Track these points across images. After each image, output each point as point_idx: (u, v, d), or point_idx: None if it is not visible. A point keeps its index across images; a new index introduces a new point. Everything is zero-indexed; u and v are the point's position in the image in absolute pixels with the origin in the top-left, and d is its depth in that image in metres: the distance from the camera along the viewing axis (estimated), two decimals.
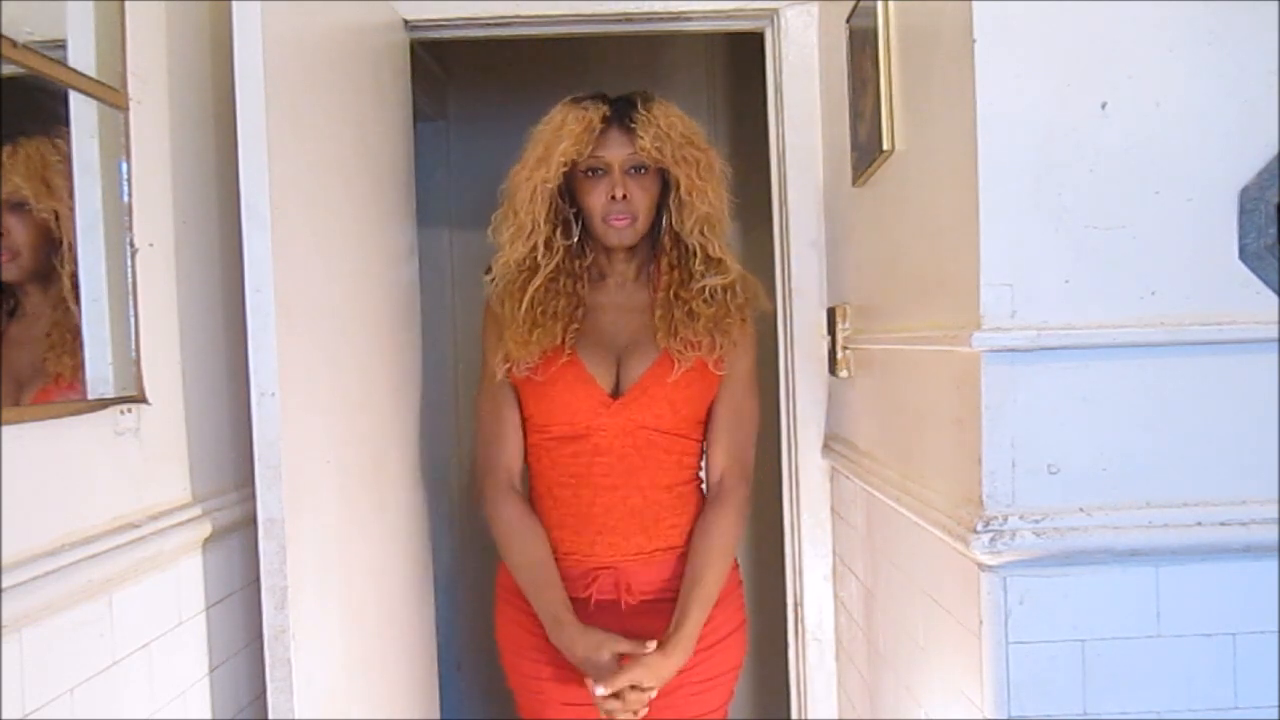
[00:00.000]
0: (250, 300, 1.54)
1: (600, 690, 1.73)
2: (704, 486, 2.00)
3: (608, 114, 1.84)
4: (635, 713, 1.75)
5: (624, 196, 1.84)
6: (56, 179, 1.32)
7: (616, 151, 1.85)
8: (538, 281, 1.86)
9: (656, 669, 1.76)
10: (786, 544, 2.39)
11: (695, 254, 1.88)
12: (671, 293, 1.88)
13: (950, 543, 1.39)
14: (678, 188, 1.86)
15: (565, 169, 1.84)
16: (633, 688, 1.74)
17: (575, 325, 1.87)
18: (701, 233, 1.87)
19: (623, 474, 1.86)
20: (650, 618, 1.87)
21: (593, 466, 1.86)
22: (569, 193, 1.89)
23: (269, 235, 1.53)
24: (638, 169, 1.86)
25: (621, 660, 1.77)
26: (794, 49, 2.27)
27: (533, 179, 1.84)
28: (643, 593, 1.88)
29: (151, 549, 1.44)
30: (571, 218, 1.90)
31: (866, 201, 1.93)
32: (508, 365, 1.87)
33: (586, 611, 1.86)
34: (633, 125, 1.83)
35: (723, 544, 1.90)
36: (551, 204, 1.86)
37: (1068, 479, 1.32)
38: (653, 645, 1.76)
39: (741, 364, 1.94)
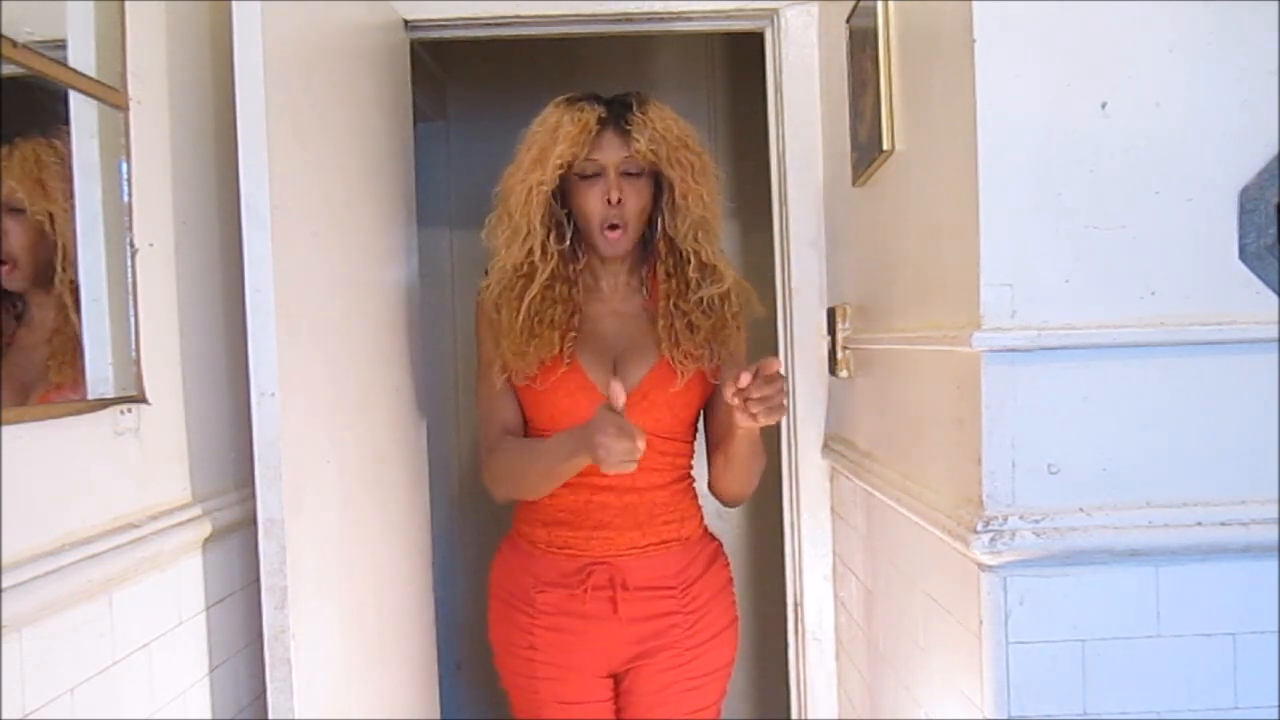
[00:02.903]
0: (250, 300, 1.54)
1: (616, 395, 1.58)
2: (695, 485, 2.01)
3: (603, 116, 1.84)
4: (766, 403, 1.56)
5: (619, 200, 1.83)
6: (52, 181, 1.31)
7: (612, 154, 1.83)
8: (534, 290, 1.85)
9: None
10: (786, 544, 2.39)
11: (690, 260, 1.87)
12: (671, 303, 1.87)
13: (950, 543, 1.39)
14: (671, 191, 1.85)
15: (561, 171, 1.83)
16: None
17: (573, 333, 1.86)
18: (695, 238, 1.86)
19: (619, 474, 1.86)
20: (643, 608, 1.88)
21: (591, 467, 1.86)
22: (561, 194, 1.88)
23: (269, 235, 1.53)
24: (631, 174, 1.85)
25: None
26: (794, 49, 2.27)
27: (528, 181, 1.83)
28: (636, 585, 1.88)
29: (151, 549, 1.44)
30: (564, 220, 1.89)
31: (866, 201, 1.93)
32: (506, 374, 1.87)
33: (582, 603, 1.86)
34: (628, 127, 1.82)
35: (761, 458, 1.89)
36: (546, 207, 1.85)
37: (1068, 479, 1.32)
38: (619, 392, 1.60)
39: (738, 367, 1.94)
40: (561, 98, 1.87)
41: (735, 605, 2.01)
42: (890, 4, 1.68)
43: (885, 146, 1.69)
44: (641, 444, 1.58)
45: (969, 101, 1.32)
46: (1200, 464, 1.33)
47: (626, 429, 1.58)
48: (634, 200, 1.85)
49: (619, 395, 1.61)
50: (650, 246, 1.94)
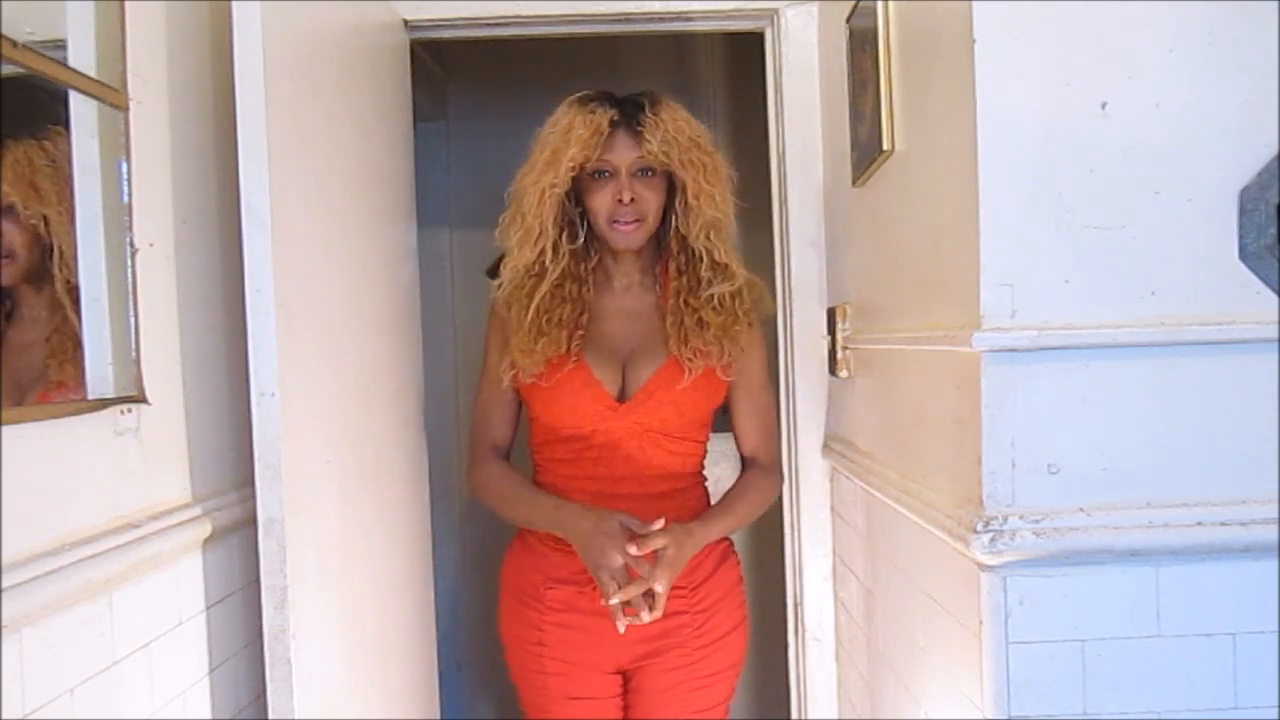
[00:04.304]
0: (250, 300, 1.54)
1: (633, 550, 1.68)
2: (706, 485, 2.01)
3: (615, 118, 1.84)
4: (652, 609, 1.71)
5: (631, 200, 1.83)
6: (44, 184, 1.30)
7: (624, 155, 1.84)
8: (544, 289, 1.86)
9: (679, 538, 1.74)
10: (786, 544, 2.39)
11: (702, 259, 1.88)
12: (681, 300, 1.88)
13: (950, 543, 1.39)
14: (684, 191, 1.86)
15: (573, 173, 1.83)
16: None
17: (581, 331, 1.87)
18: (708, 238, 1.87)
19: (627, 473, 1.86)
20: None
21: (597, 465, 1.87)
22: (574, 193, 1.89)
23: (269, 235, 1.53)
24: (645, 171, 1.85)
25: (631, 539, 1.72)
26: (794, 49, 2.27)
27: (540, 183, 1.83)
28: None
29: (151, 549, 1.44)
30: (577, 218, 1.90)
31: (866, 201, 1.93)
32: (513, 372, 1.88)
33: (591, 600, 1.87)
34: (640, 128, 1.82)
35: (758, 497, 1.96)
36: (559, 208, 1.86)
37: (1068, 479, 1.32)
38: (660, 523, 1.73)
39: (753, 366, 1.96)
40: (574, 97, 1.87)
41: (745, 606, 2.01)
42: (890, 4, 1.68)
43: (885, 146, 1.69)
44: (633, 593, 1.69)
45: (969, 101, 1.32)
46: (1200, 464, 1.32)
47: (624, 575, 1.70)
48: (649, 197, 1.85)
49: (649, 543, 1.70)
50: (663, 244, 1.94)
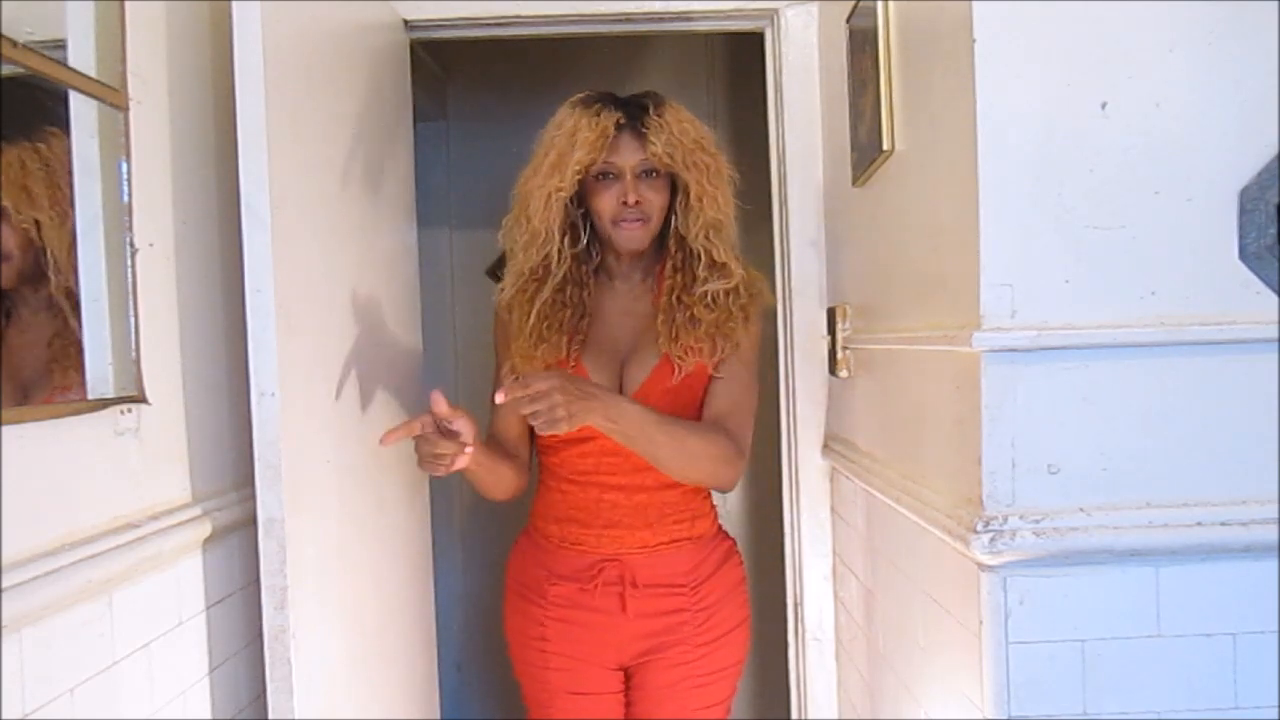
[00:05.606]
0: (250, 300, 1.54)
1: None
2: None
3: (621, 120, 1.83)
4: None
5: (636, 202, 1.83)
6: (37, 187, 1.29)
7: (629, 157, 1.84)
8: (545, 295, 1.85)
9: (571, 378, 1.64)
10: (786, 544, 2.39)
11: (700, 258, 1.88)
12: (674, 297, 1.88)
13: (950, 543, 1.39)
14: (686, 193, 1.86)
15: (579, 176, 1.83)
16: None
17: (580, 336, 1.87)
18: (707, 238, 1.87)
19: (628, 473, 1.86)
20: (652, 605, 1.89)
21: (600, 466, 1.87)
22: (577, 195, 1.88)
23: (269, 235, 1.53)
24: (649, 173, 1.85)
25: None
26: (794, 49, 2.27)
27: (546, 187, 1.83)
28: (646, 583, 1.89)
29: (151, 549, 1.44)
30: (580, 220, 1.90)
31: (866, 201, 1.93)
32: (514, 376, 1.88)
33: (592, 597, 1.87)
34: (645, 130, 1.82)
35: (711, 438, 1.81)
36: (565, 212, 1.86)
37: (1068, 479, 1.32)
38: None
39: (741, 349, 1.87)
40: (577, 98, 1.87)
41: (747, 605, 2.01)
42: (890, 4, 1.68)
43: (885, 146, 1.69)
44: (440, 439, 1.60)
45: (969, 101, 1.32)
46: (1200, 464, 1.33)
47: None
48: (654, 198, 1.85)
49: (438, 402, 1.61)
50: (665, 244, 1.94)
